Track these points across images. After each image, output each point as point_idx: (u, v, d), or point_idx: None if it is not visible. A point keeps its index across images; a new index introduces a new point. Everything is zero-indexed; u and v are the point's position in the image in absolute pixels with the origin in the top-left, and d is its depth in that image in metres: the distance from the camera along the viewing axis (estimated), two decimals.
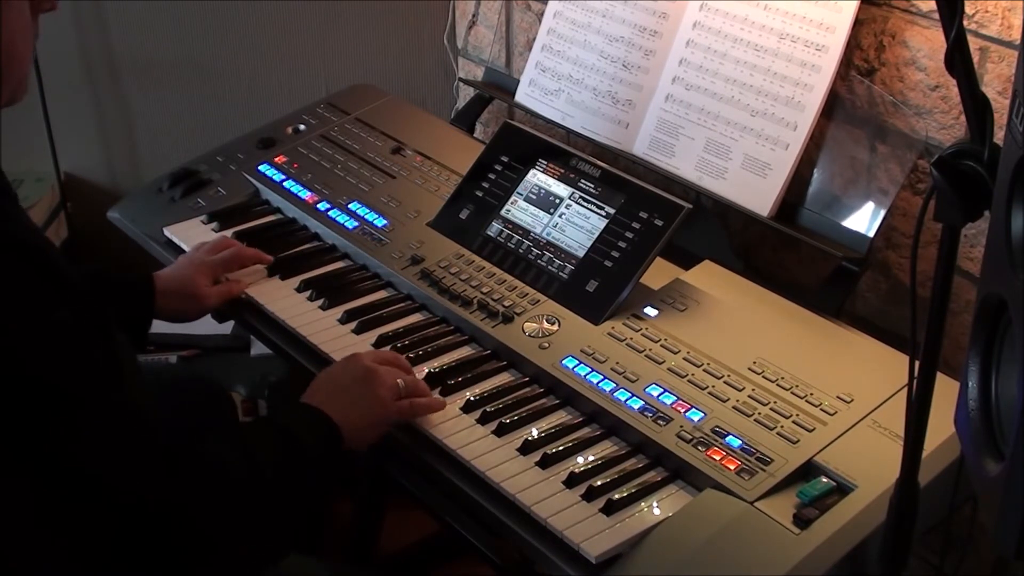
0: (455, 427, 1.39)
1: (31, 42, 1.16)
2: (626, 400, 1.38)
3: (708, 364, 1.41)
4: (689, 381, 1.39)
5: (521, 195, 1.68)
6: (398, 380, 1.39)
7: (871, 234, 1.52)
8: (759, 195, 1.61)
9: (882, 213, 1.52)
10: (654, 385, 1.39)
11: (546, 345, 1.48)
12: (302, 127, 2.04)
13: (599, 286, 1.53)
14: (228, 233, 1.79)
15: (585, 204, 1.61)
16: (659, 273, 1.55)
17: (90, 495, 1.10)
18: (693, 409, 1.35)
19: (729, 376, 1.39)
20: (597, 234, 1.57)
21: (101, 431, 1.09)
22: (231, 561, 1.20)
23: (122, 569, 1.13)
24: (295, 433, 1.29)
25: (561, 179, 1.65)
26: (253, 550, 1.22)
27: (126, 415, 1.12)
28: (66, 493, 1.09)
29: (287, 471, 1.25)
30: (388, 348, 1.52)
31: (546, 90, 1.90)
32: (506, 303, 1.56)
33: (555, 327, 1.51)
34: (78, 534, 1.11)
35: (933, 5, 1.10)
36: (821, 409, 1.33)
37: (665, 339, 1.46)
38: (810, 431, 1.31)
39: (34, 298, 1.06)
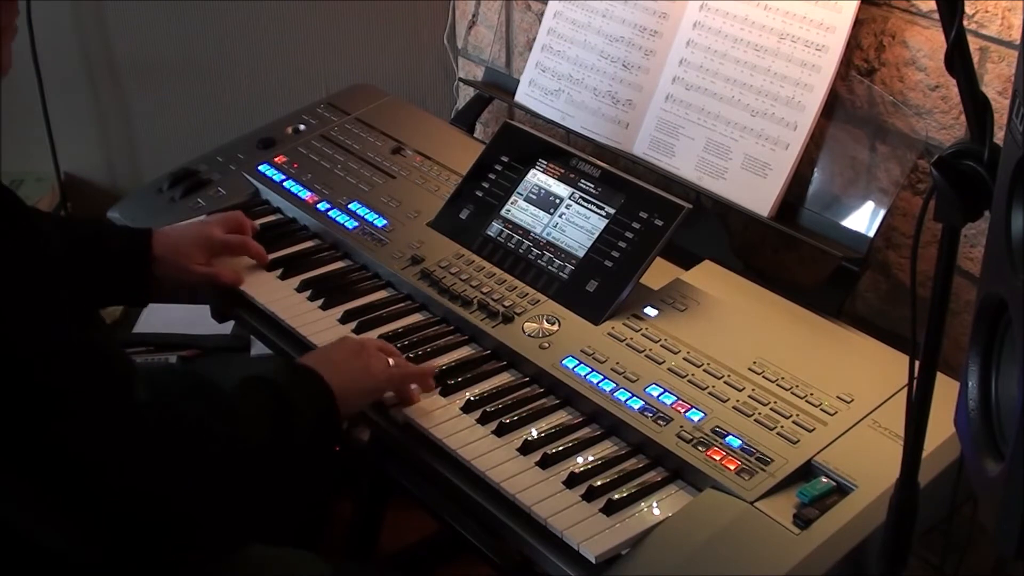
0: (455, 427, 1.39)
1: (6, 18, 1.14)
2: (626, 400, 1.38)
3: (708, 364, 1.41)
4: (689, 381, 1.39)
5: (521, 195, 1.68)
6: (388, 359, 1.42)
7: (871, 234, 1.52)
8: (759, 195, 1.61)
9: (882, 213, 1.52)
10: (654, 385, 1.39)
11: (546, 345, 1.48)
12: (302, 127, 2.04)
13: (599, 286, 1.53)
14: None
15: (585, 204, 1.61)
16: (659, 273, 1.55)
17: (74, 470, 1.09)
18: (693, 409, 1.35)
19: (729, 376, 1.39)
20: (597, 234, 1.57)
21: (102, 430, 1.09)
22: (220, 526, 1.19)
23: (111, 537, 1.13)
24: (285, 393, 1.28)
25: (561, 179, 1.65)
26: (242, 515, 1.21)
27: (126, 410, 1.12)
28: (50, 467, 1.09)
29: (281, 437, 1.24)
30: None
31: (546, 90, 1.90)
32: (506, 303, 1.56)
33: (555, 327, 1.51)
34: (64, 507, 1.11)
35: (933, 5, 1.10)
36: (821, 409, 1.33)
37: (665, 339, 1.46)
38: (810, 431, 1.31)
39: (43, 301, 1.07)
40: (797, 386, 1.37)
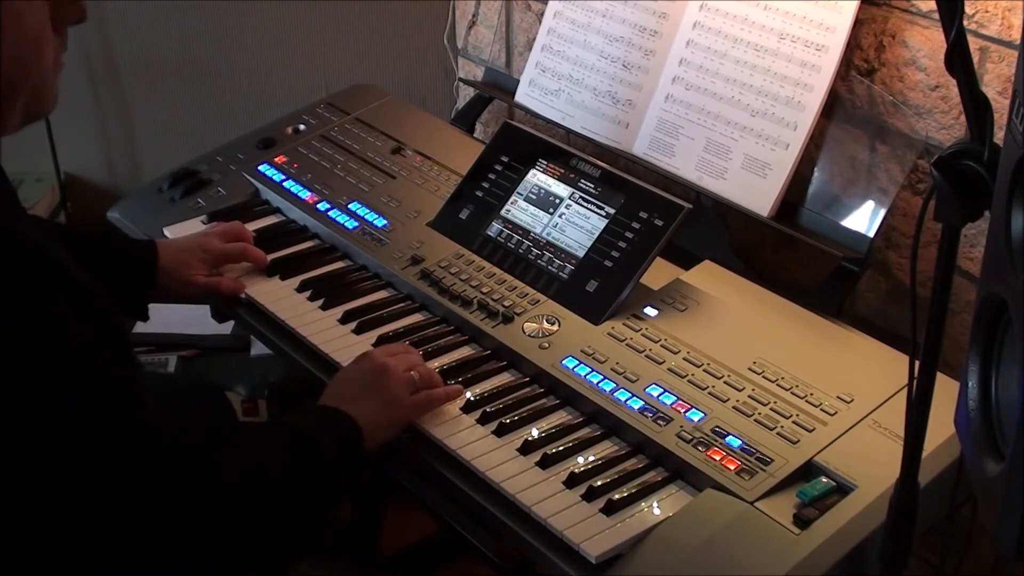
0: (455, 427, 1.39)
1: (47, 49, 1.13)
2: (626, 400, 1.38)
3: (708, 364, 1.41)
4: (689, 381, 1.39)
5: (521, 195, 1.68)
6: (412, 373, 1.39)
7: (871, 234, 1.52)
8: (759, 195, 1.61)
9: (882, 213, 1.52)
10: (654, 385, 1.39)
11: (546, 345, 1.48)
12: (302, 127, 2.04)
13: (599, 286, 1.53)
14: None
15: (585, 204, 1.61)
16: (659, 273, 1.55)
17: (94, 501, 1.10)
18: (693, 409, 1.35)
19: (729, 376, 1.39)
20: (597, 234, 1.57)
21: (106, 436, 1.09)
22: (239, 566, 1.19)
23: (110, 539, 1.13)
24: (312, 433, 1.28)
25: (561, 179, 1.65)
26: (263, 555, 1.21)
27: (132, 420, 1.12)
28: (70, 498, 1.09)
29: (301, 475, 1.24)
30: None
31: (546, 90, 1.90)
32: (506, 303, 1.56)
33: (555, 327, 1.51)
34: (80, 537, 1.11)
35: (933, 5, 1.10)
36: (821, 409, 1.33)
37: (665, 339, 1.46)
38: (810, 431, 1.31)
39: (44, 302, 1.06)
40: (797, 386, 1.37)
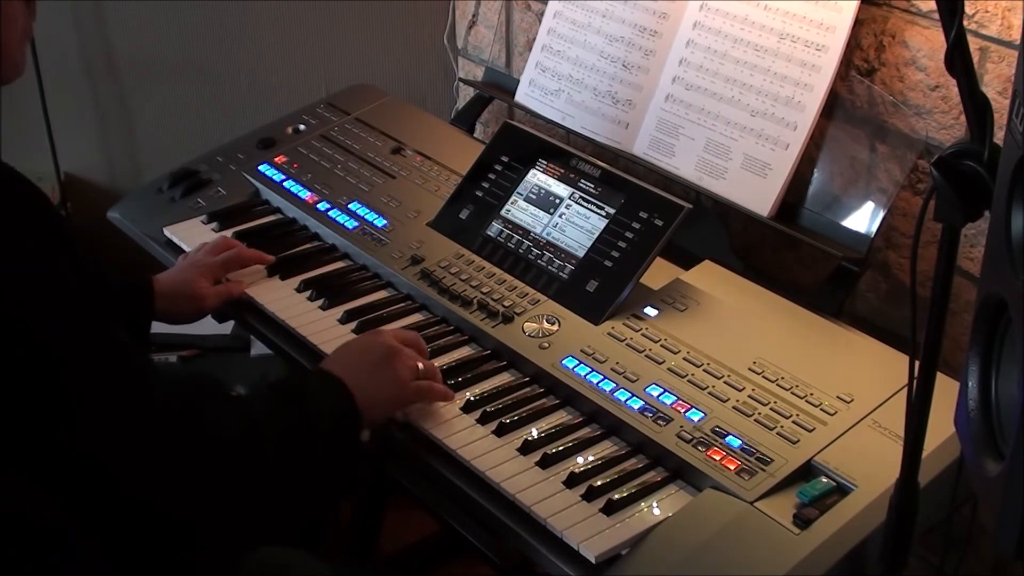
0: (455, 427, 1.39)
1: (20, 23, 1.16)
2: (626, 400, 1.38)
3: (708, 364, 1.41)
4: (689, 381, 1.39)
5: (521, 195, 1.68)
6: (418, 363, 1.40)
7: (871, 234, 1.52)
8: (759, 195, 1.61)
9: (882, 213, 1.52)
10: (654, 385, 1.39)
11: (546, 345, 1.48)
12: (302, 127, 2.04)
13: (599, 286, 1.53)
14: (228, 233, 1.79)
15: (585, 204, 1.61)
16: (659, 273, 1.55)
17: (95, 501, 1.09)
18: (693, 409, 1.35)
19: (729, 376, 1.39)
20: (597, 234, 1.57)
21: (108, 435, 1.09)
22: (228, 533, 1.19)
23: (118, 542, 1.13)
24: (307, 400, 1.28)
25: (561, 179, 1.65)
26: (252, 522, 1.21)
27: (135, 418, 1.12)
28: (71, 498, 1.09)
29: (294, 441, 1.23)
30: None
31: (546, 90, 1.90)
32: (506, 303, 1.56)
33: (555, 327, 1.51)
34: (81, 537, 1.11)
35: (933, 5, 1.10)
36: (821, 409, 1.33)
37: (665, 339, 1.46)
38: (810, 431, 1.31)
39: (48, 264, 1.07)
40: (797, 386, 1.37)
